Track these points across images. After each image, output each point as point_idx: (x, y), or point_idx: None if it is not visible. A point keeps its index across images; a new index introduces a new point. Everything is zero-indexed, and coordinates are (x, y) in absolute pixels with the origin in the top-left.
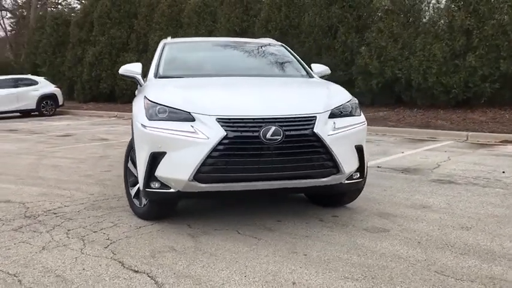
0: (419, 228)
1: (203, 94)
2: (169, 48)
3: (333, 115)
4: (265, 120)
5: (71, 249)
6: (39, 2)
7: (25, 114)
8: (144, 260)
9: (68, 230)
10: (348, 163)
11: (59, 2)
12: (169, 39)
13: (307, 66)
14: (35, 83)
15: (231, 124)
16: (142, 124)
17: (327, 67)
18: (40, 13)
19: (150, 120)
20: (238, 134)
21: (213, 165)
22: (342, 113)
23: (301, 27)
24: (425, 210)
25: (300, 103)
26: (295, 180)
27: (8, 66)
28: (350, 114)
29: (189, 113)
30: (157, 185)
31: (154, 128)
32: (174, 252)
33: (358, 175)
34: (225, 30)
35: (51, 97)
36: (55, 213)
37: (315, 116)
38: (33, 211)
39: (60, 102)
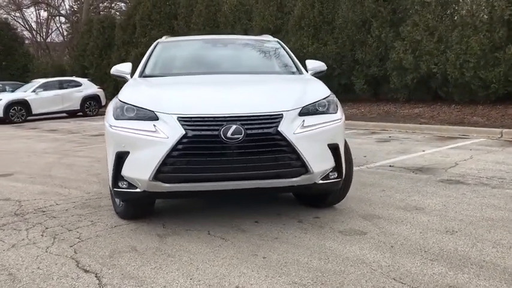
0: (400, 231)
1: (170, 93)
2: (160, 47)
3: (304, 113)
4: (227, 119)
5: (38, 247)
6: (91, 7)
7: (71, 114)
8: (101, 259)
9: (46, 229)
10: (318, 162)
11: (112, 6)
12: (163, 38)
13: (298, 63)
14: (79, 84)
15: (191, 123)
16: (109, 124)
17: (323, 63)
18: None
19: (116, 119)
20: (198, 132)
21: (173, 165)
22: (317, 110)
23: (335, 22)
24: (416, 212)
25: (267, 101)
26: (264, 180)
27: (63, 69)
28: (325, 112)
29: (153, 112)
30: (124, 184)
31: (119, 127)
32: (134, 252)
33: (336, 175)
34: (259, 28)
35: (94, 98)
36: (43, 212)
37: (281, 114)
38: (24, 209)
39: (103, 103)
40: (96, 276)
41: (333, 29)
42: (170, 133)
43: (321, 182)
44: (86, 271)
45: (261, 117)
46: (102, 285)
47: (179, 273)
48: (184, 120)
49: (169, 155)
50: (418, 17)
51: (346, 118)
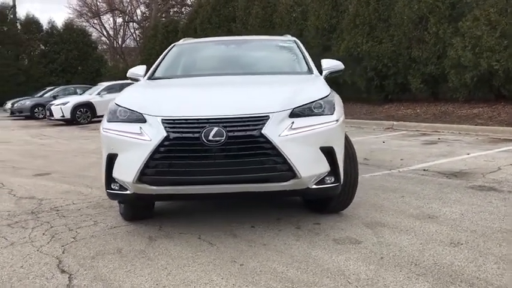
0: (399, 242)
1: (160, 95)
2: (175, 50)
3: (295, 114)
4: (210, 121)
5: (33, 246)
6: (162, 13)
7: None
8: (82, 260)
9: (50, 227)
10: (308, 166)
11: (181, 10)
12: (181, 41)
13: (310, 63)
14: None
15: (174, 125)
16: (102, 126)
17: (339, 62)
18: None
19: (108, 122)
20: (179, 135)
21: (156, 168)
22: (312, 111)
23: (391, 20)
24: (427, 221)
25: (253, 102)
26: (250, 184)
27: None
28: (320, 113)
29: (142, 114)
30: (116, 186)
31: (109, 129)
32: (117, 254)
33: (333, 180)
34: (314, 28)
35: None
36: (57, 211)
37: (267, 116)
38: (42, 208)
39: None
40: (69, 277)
41: (389, 26)
42: (153, 135)
43: (314, 187)
44: (63, 271)
45: (244, 119)
46: (71, 287)
47: (149, 277)
48: (167, 123)
49: (151, 158)
50: (479, 11)
51: (399, 119)
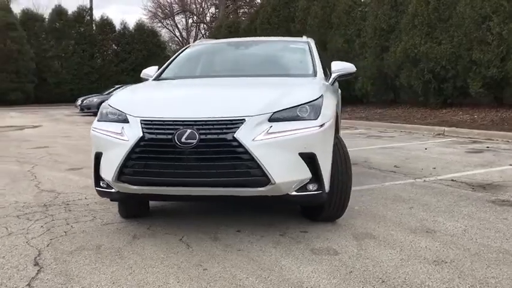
0: (379, 256)
1: (145, 96)
2: (187, 51)
3: (276, 118)
4: (185, 123)
5: (25, 238)
6: (230, 14)
7: None
8: (59, 254)
9: (51, 221)
10: (283, 172)
11: (250, 11)
12: (196, 42)
13: (317, 65)
14: None
15: (150, 126)
16: (92, 125)
17: (351, 65)
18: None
19: (97, 121)
20: (154, 136)
21: (133, 168)
22: (297, 115)
23: (451, 20)
24: (422, 236)
25: (230, 105)
26: (225, 188)
27: None
28: (303, 118)
29: (126, 114)
30: (104, 184)
31: (96, 129)
32: (94, 251)
33: (316, 187)
34: (372, 28)
35: None
36: (67, 205)
37: (243, 119)
38: (55, 201)
39: None
40: (38, 271)
41: (449, 26)
42: (131, 136)
43: (295, 193)
44: (36, 264)
45: (217, 122)
46: (34, 279)
47: (110, 276)
48: (145, 123)
49: (128, 157)
50: None
51: (452, 125)
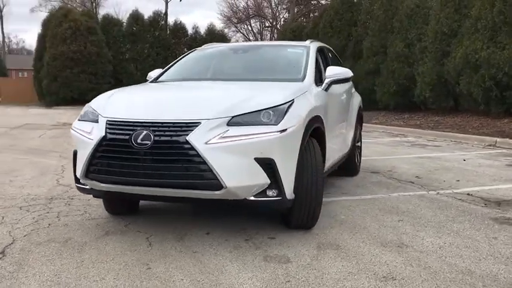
0: (328, 268)
1: (122, 97)
2: (192, 54)
3: (235, 122)
4: (142, 124)
5: (12, 228)
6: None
7: None
8: (28, 245)
9: (45, 213)
10: (236, 177)
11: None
12: (204, 46)
13: (309, 70)
14: None
15: (113, 126)
16: (72, 124)
17: (347, 70)
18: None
19: (77, 120)
20: (114, 136)
21: (97, 166)
22: (257, 119)
23: None
24: (389, 250)
25: (186, 108)
26: (179, 189)
27: None
28: (263, 123)
29: (98, 114)
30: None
31: (74, 128)
32: (61, 244)
33: (276, 193)
34: (433, 32)
35: None
36: (71, 199)
37: (198, 122)
38: (63, 195)
39: None
40: (1, 259)
41: None
42: (96, 135)
43: (253, 198)
44: (1, 252)
45: (172, 125)
46: None
47: (57, 268)
48: (108, 124)
49: (93, 156)
50: None
51: (506, 136)
